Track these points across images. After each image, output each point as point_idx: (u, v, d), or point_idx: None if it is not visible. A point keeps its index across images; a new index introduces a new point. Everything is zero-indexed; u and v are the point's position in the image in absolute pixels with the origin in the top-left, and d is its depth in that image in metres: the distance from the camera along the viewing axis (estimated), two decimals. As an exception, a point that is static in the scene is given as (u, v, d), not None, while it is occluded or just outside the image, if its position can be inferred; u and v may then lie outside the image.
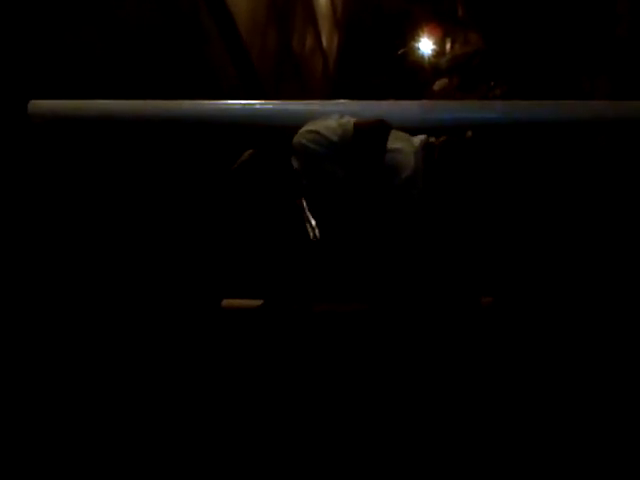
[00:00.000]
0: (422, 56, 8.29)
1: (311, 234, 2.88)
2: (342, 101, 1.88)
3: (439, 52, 7.39)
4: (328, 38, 7.91)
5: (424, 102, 1.92)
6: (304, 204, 2.79)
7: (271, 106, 1.87)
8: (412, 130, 2.19)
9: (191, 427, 2.65)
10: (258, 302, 2.93)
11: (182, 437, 2.59)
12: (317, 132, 2.57)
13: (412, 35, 8.47)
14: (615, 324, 2.70)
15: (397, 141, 2.68)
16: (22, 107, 1.79)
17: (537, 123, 1.83)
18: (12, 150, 1.88)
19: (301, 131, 2.67)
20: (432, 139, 2.78)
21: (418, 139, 2.74)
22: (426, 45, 8.41)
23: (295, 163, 2.53)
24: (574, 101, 1.80)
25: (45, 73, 2.02)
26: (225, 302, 3.00)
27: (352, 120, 2.67)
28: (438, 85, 3.05)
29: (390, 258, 2.93)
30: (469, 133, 2.81)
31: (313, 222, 2.92)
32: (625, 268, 2.70)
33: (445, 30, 6.07)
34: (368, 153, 2.66)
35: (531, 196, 2.87)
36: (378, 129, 2.69)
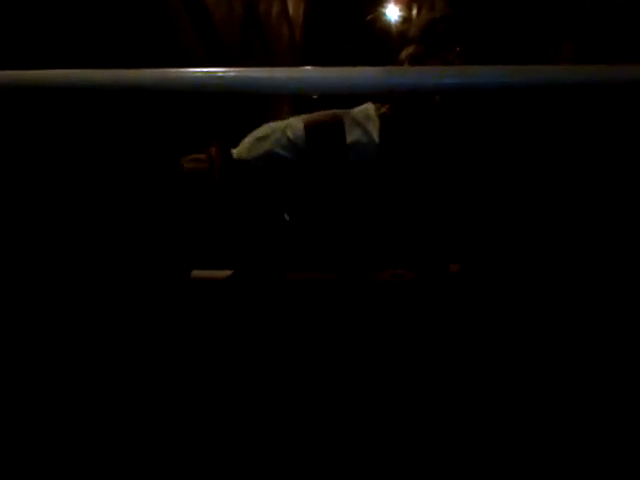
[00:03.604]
0: (389, 22, 8.27)
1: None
2: (307, 68, 1.85)
3: (406, 18, 7.37)
4: (295, 4, 7.84)
5: (390, 68, 1.90)
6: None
7: (235, 73, 1.84)
8: (378, 97, 2.20)
9: (166, 397, 2.65)
10: (228, 272, 2.93)
11: (158, 409, 2.58)
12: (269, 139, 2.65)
13: (379, 1, 8.43)
14: (582, 290, 2.73)
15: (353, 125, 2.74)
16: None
17: (496, 87, 1.84)
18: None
19: (248, 142, 2.73)
20: (383, 109, 2.83)
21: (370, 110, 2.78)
22: (393, 11, 8.38)
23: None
24: (532, 66, 1.80)
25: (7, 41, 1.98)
26: (194, 273, 2.99)
27: (300, 122, 2.72)
28: (406, 51, 3.02)
29: (354, 228, 2.93)
30: (437, 98, 2.82)
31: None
32: (591, 229, 2.73)
33: (412, -4, 6.06)
34: (325, 152, 2.70)
35: (497, 160, 2.88)
36: (330, 126, 2.73)
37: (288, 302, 2.88)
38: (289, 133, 2.78)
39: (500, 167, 2.88)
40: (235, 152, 2.79)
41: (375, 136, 2.77)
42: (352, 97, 2.12)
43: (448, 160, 2.88)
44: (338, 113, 2.81)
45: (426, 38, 3.09)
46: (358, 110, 2.82)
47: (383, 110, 2.81)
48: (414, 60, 3.01)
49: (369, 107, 2.82)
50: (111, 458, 2.28)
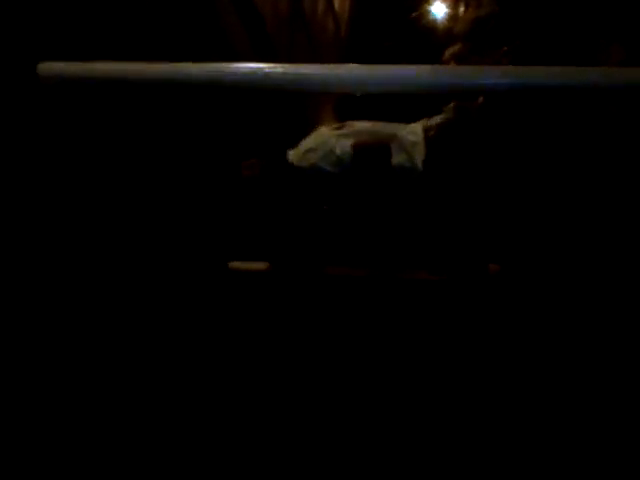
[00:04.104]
0: (435, 19, 8.22)
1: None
2: (352, 65, 1.86)
3: (452, 15, 7.31)
4: (340, 1, 7.84)
5: (436, 67, 1.90)
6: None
7: (281, 69, 1.85)
8: (423, 95, 2.19)
9: (197, 388, 2.67)
10: (265, 264, 2.96)
11: (186, 400, 2.61)
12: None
13: (425, -2, 8.39)
14: (625, 292, 2.70)
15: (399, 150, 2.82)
16: (31, 69, 1.79)
17: (548, 88, 1.81)
18: (22, 112, 1.88)
19: (298, 152, 2.86)
20: (431, 131, 2.90)
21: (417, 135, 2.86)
22: (439, 8, 8.33)
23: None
24: (587, 67, 1.77)
25: (54, 35, 2.01)
26: (232, 264, 3.02)
27: (349, 142, 2.83)
28: (451, 49, 3.01)
29: (397, 228, 2.94)
30: (480, 99, 2.81)
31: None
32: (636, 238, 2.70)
33: (458, -8, 6.02)
34: (369, 173, 2.82)
35: (541, 163, 2.86)
36: (377, 150, 2.83)
37: (324, 295, 2.90)
38: (337, 151, 2.87)
39: (543, 168, 2.86)
40: (290, 156, 2.91)
41: (419, 162, 2.84)
42: (395, 95, 2.12)
43: (490, 163, 2.87)
44: (385, 137, 2.90)
45: (472, 36, 3.07)
46: (406, 132, 2.89)
47: (431, 133, 2.88)
48: (459, 58, 3.01)
49: (417, 131, 2.89)
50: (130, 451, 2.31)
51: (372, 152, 2.89)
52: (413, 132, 2.92)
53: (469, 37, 3.07)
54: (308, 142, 2.98)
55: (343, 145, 2.89)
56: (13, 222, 1.82)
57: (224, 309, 2.89)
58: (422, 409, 2.64)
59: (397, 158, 2.86)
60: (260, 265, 3.00)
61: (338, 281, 2.95)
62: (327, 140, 2.93)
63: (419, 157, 2.86)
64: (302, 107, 4.42)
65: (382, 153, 2.88)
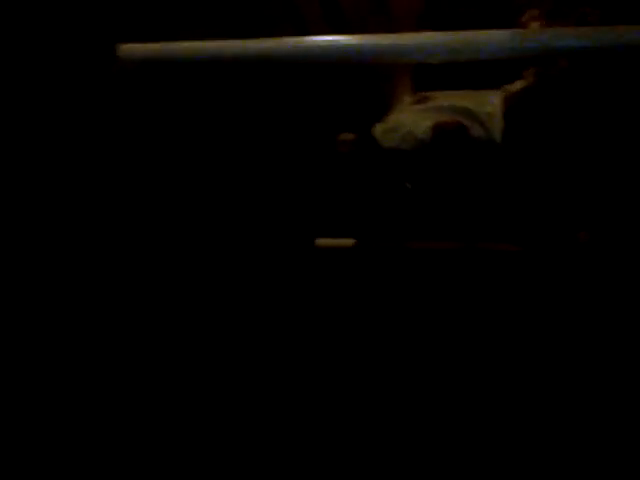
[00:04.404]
0: (511, -17, 8.01)
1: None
2: (430, 33, 1.83)
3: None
4: (414, -33, 7.70)
5: (515, 31, 1.86)
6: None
7: (358, 41, 1.84)
8: (503, 60, 2.14)
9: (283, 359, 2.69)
10: (351, 241, 2.97)
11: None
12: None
13: (501, -39, 8.17)
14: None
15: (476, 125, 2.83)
16: (111, 51, 1.80)
17: (634, 49, 1.75)
18: (103, 95, 1.91)
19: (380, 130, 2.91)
20: (512, 89, 2.88)
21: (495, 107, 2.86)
22: (516, -29, 8.11)
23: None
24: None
25: (134, 16, 2.02)
26: (319, 241, 3.03)
27: (428, 123, 2.86)
28: (530, 13, 2.94)
29: (479, 198, 2.91)
30: (563, 62, 2.74)
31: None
32: None
33: (536, -46, 5.84)
34: (449, 153, 2.84)
35: (629, 127, 2.77)
36: (456, 132, 2.85)
37: (410, 270, 2.89)
38: (417, 132, 2.93)
39: (632, 132, 2.78)
40: (375, 132, 2.95)
41: (497, 134, 2.88)
42: (474, 63, 2.08)
43: (575, 128, 2.80)
44: (462, 112, 2.91)
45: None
46: (483, 104, 2.92)
47: (511, 101, 2.86)
48: (539, 21, 2.94)
49: (495, 101, 2.89)
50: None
51: (451, 134, 2.88)
52: (491, 103, 2.91)
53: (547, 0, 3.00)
54: (390, 119, 3.03)
55: (422, 127, 2.93)
56: (95, 204, 1.85)
57: (311, 286, 2.90)
58: (515, 390, 2.61)
59: (474, 132, 2.87)
60: (347, 242, 3.01)
61: (423, 255, 2.93)
62: (406, 119, 2.98)
63: (497, 129, 2.85)
64: (380, 76, 4.38)
65: (460, 133, 2.89)
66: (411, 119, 2.98)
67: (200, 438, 2.11)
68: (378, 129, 3.02)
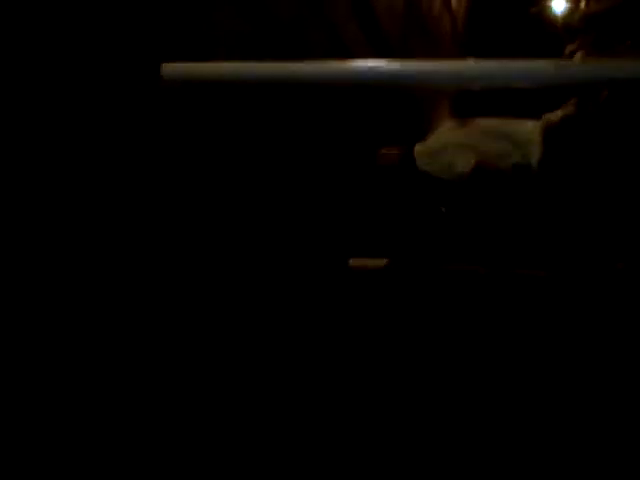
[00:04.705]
0: (555, 14, 8.00)
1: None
2: (472, 60, 1.83)
3: (573, 9, 7.11)
4: (457, -5, 7.75)
5: (557, 61, 1.85)
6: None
7: (400, 66, 1.85)
8: (545, 90, 2.15)
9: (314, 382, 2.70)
10: (385, 261, 2.99)
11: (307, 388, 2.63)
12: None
13: (544, -8, 8.17)
14: None
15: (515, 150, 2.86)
16: (155, 70, 1.84)
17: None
18: (146, 115, 1.94)
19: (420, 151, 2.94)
20: (553, 117, 2.90)
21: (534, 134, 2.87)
22: (559, 2, 8.10)
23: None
24: None
25: (178, 35, 2.06)
26: (353, 261, 3.05)
27: (471, 157, 2.88)
28: (573, 45, 2.94)
29: (515, 224, 2.92)
30: (605, 93, 2.74)
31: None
32: None
33: (579, -15, 5.84)
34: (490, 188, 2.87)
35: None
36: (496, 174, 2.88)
37: (444, 292, 2.90)
38: (457, 165, 2.92)
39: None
40: (416, 153, 2.98)
41: (535, 161, 2.87)
42: (514, 92, 2.08)
43: (613, 158, 2.79)
44: (503, 141, 2.94)
45: (594, 31, 3.00)
46: (524, 131, 2.91)
47: (552, 129, 2.87)
48: (581, 52, 2.94)
49: (535, 129, 2.90)
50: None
51: (491, 175, 2.89)
52: (531, 130, 2.91)
53: (590, 31, 3.00)
54: (431, 142, 3.04)
55: (463, 161, 2.92)
56: (131, 217, 1.88)
57: (344, 306, 2.92)
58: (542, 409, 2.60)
59: (513, 158, 2.87)
60: (380, 262, 3.03)
61: (457, 278, 2.94)
62: (448, 147, 2.99)
63: (536, 156, 2.85)
64: (421, 99, 4.41)
65: (500, 176, 2.88)
66: (452, 148, 2.98)
67: (200, 440, 2.12)
68: (418, 150, 3.03)
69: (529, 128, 2.92)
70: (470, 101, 3.13)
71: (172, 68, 1.89)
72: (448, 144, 3.01)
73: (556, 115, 2.95)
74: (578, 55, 2.93)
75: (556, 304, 2.81)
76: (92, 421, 1.68)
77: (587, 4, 3.47)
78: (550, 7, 8.05)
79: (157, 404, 1.90)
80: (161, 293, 1.93)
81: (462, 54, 7.44)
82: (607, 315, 2.72)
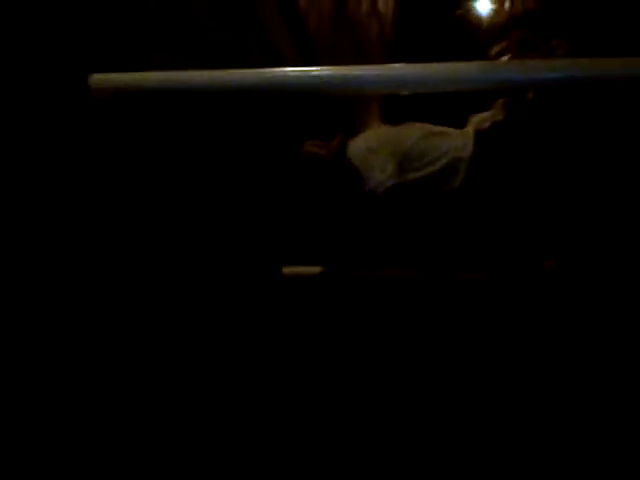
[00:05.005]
0: (480, 16, 8.13)
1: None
2: (398, 65, 1.85)
3: (498, 11, 7.24)
4: (384, 0, 7.81)
5: (483, 63, 1.88)
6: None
7: (329, 72, 1.85)
8: (471, 92, 2.18)
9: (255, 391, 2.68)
10: (318, 269, 2.98)
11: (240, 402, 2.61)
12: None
13: (469, -6, 8.31)
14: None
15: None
16: (83, 81, 1.81)
17: (603, 82, 1.78)
18: (73, 126, 1.90)
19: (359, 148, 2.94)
20: (483, 125, 2.95)
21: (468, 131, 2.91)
22: (484, 4, 8.24)
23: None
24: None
25: (105, 46, 2.03)
26: (286, 270, 3.03)
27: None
28: (498, 46, 2.99)
29: (445, 226, 2.94)
30: (530, 95, 2.79)
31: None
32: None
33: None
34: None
35: (594, 157, 2.82)
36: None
37: (377, 298, 2.90)
38: (389, 165, 2.93)
39: (596, 162, 2.82)
40: (349, 149, 2.98)
41: (465, 165, 2.92)
42: (444, 94, 2.11)
43: (543, 159, 2.85)
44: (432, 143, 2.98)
45: (519, 31, 3.05)
46: (457, 133, 2.96)
47: (480, 128, 2.91)
48: (507, 55, 2.99)
49: (466, 133, 2.95)
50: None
51: (407, 191, 2.92)
52: (462, 133, 2.96)
53: (515, 32, 3.06)
54: (369, 141, 3.06)
55: (383, 178, 2.96)
56: (58, 231, 1.84)
57: (277, 315, 2.90)
58: (482, 413, 2.63)
59: (445, 159, 2.90)
60: (313, 270, 3.02)
61: (391, 283, 2.95)
62: (386, 143, 3.00)
63: (466, 159, 2.89)
64: (348, 103, 4.43)
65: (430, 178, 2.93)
66: (391, 147, 2.99)
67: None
68: (357, 145, 3.05)
69: (460, 132, 2.96)
70: (400, 105, 3.15)
71: (100, 78, 1.86)
72: (375, 145, 3.02)
73: (485, 119, 2.99)
74: (504, 57, 2.97)
75: (488, 305, 2.85)
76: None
77: (511, 5, 3.53)
78: (475, 9, 8.19)
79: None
80: (76, 302, 1.89)
81: (390, 58, 7.49)
82: (538, 313, 2.77)
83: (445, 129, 3.06)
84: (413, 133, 3.05)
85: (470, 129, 2.99)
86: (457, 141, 2.96)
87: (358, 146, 3.04)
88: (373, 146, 3.00)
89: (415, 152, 2.96)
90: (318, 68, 1.86)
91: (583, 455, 2.44)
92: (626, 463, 2.39)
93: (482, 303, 2.85)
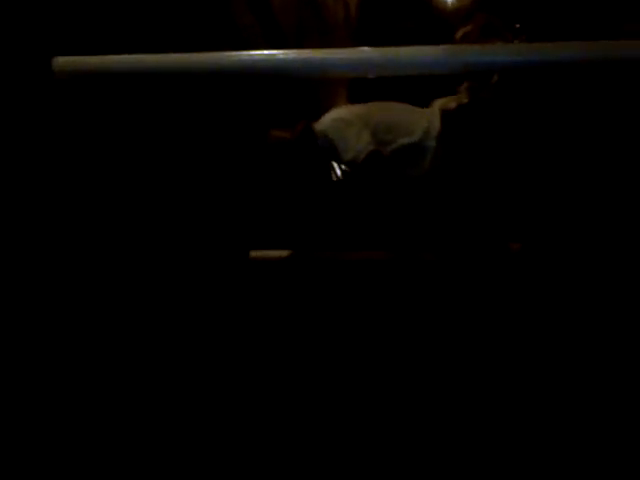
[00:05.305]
0: (445, 0, 8.14)
1: (335, 177, 3.03)
2: (364, 49, 1.86)
3: (463, -5, 7.25)
4: (349, -16, 7.78)
5: (448, 47, 1.89)
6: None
7: (295, 55, 1.86)
8: (437, 76, 2.20)
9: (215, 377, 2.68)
10: (286, 252, 2.98)
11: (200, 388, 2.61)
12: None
13: (435, -22, 8.30)
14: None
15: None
16: (46, 64, 1.79)
17: (565, 65, 1.80)
18: (37, 108, 1.89)
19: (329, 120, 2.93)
20: (452, 103, 2.96)
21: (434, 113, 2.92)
22: (449, -12, 8.25)
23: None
24: (605, 41, 1.76)
25: (68, 29, 2.01)
26: (253, 253, 3.03)
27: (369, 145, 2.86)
28: (462, 31, 3.01)
29: (412, 208, 2.96)
30: (495, 77, 2.81)
31: (339, 172, 3.04)
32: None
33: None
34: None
35: (561, 139, 2.84)
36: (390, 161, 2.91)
37: (344, 281, 2.91)
38: (364, 134, 2.95)
39: (560, 144, 2.85)
40: (319, 125, 2.99)
41: (432, 140, 2.94)
42: (409, 78, 2.12)
43: (509, 140, 2.87)
44: (400, 132, 2.97)
45: (483, 15, 3.07)
46: (424, 111, 2.97)
47: (446, 108, 2.92)
48: (472, 38, 3.00)
49: (433, 114, 2.95)
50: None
51: (386, 161, 2.93)
52: (429, 113, 2.97)
53: (479, 16, 3.07)
54: (338, 112, 3.06)
55: (360, 147, 2.96)
56: (20, 219, 1.83)
57: (245, 298, 2.90)
58: (437, 399, 2.64)
59: (413, 137, 2.91)
60: (282, 253, 3.02)
61: (357, 266, 2.96)
62: (355, 117, 3.00)
63: (433, 138, 2.90)
64: (315, 87, 4.42)
65: (393, 165, 2.95)
66: (361, 120, 2.99)
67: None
68: (326, 119, 3.04)
69: (425, 118, 2.97)
70: (367, 89, 3.15)
71: (63, 62, 1.85)
72: (348, 117, 3.02)
73: (450, 101, 3.01)
74: (469, 40, 2.99)
75: (452, 287, 2.86)
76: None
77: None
78: (440, -7, 8.19)
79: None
80: (39, 281, 1.88)
81: (355, 42, 7.48)
82: (503, 295, 2.79)
83: (412, 107, 3.07)
84: (383, 108, 3.06)
85: (436, 109, 3.00)
86: (425, 118, 2.97)
87: (330, 119, 3.03)
88: (346, 118, 3.00)
89: (386, 124, 2.96)
90: (284, 51, 1.86)
91: (554, 435, 2.47)
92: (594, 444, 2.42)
93: (448, 284, 2.87)
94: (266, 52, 1.87)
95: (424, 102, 3.10)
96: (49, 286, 1.90)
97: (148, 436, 2.26)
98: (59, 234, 1.92)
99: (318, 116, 3.13)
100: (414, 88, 2.91)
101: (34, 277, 1.81)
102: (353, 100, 3.31)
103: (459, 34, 3.08)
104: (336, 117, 3.04)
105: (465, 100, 2.96)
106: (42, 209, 1.87)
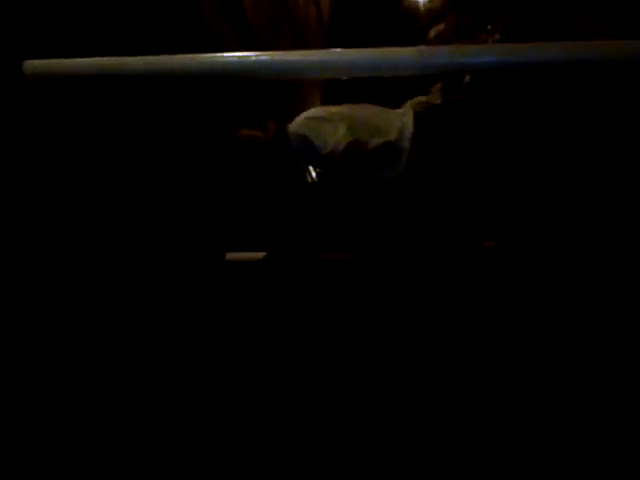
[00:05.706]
0: (417, 1, 8.18)
1: (309, 179, 3.03)
2: (337, 50, 1.85)
3: (434, -4, 7.28)
4: (322, -15, 7.80)
5: (420, 48, 1.89)
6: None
7: (268, 57, 1.85)
8: (409, 77, 2.20)
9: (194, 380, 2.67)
10: (262, 254, 2.97)
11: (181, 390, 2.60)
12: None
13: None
14: (622, 266, 2.70)
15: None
16: (17, 67, 1.77)
17: (534, 65, 1.81)
18: (8, 111, 1.87)
19: (302, 119, 2.93)
20: (419, 107, 2.97)
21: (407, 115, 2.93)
22: (421, -11, 8.28)
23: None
24: (579, 42, 1.77)
25: (39, 32, 2.00)
26: (229, 255, 3.03)
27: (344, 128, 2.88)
28: (435, 30, 3.02)
29: (388, 208, 2.96)
30: (467, 78, 2.82)
31: (313, 174, 3.05)
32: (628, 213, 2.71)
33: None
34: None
35: (532, 139, 2.86)
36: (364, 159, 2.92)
37: (320, 282, 2.91)
38: (341, 128, 2.95)
39: (533, 143, 2.86)
40: (294, 124, 3.02)
41: (407, 141, 2.93)
42: (382, 79, 2.12)
43: (482, 140, 2.88)
44: (374, 133, 2.96)
45: (455, 16, 3.08)
46: (398, 112, 2.97)
47: (419, 109, 2.93)
48: (444, 39, 3.01)
49: (407, 114, 2.95)
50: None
51: (359, 160, 2.92)
52: (403, 113, 2.97)
53: (452, 17, 3.08)
54: (312, 112, 3.06)
55: (338, 139, 2.93)
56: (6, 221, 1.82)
57: (221, 300, 2.89)
58: (417, 397, 2.65)
59: (387, 136, 2.91)
60: (257, 255, 3.02)
61: (333, 267, 2.96)
62: (329, 117, 3.00)
63: (406, 145, 2.91)
64: (290, 89, 4.42)
65: (369, 164, 2.93)
66: (334, 122, 2.99)
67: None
68: (298, 119, 3.04)
69: (399, 119, 2.98)
70: (340, 90, 3.16)
71: (34, 65, 1.83)
72: (323, 114, 3.02)
73: (423, 102, 3.02)
74: (441, 41, 3.00)
75: (427, 285, 2.87)
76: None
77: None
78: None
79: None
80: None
81: (328, 44, 7.50)
82: (478, 293, 2.80)
83: (386, 108, 3.08)
84: (357, 108, 3.07)
85: (409, 110, 3.01)
86: (399, 118, 2.98)
87: (304, 118, 3.03)
88: (322, 115, 3.00)
89: (362, 122, 2.96)
90: (257, 53, 1.85)
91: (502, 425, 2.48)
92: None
93: (422, 284, 2.88)
94: (238, 54, 1.86)
95: (397, 101, 3.11)
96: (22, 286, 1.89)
97: (121, 431, 2.25)
98: (30, 236, 1.90)
99: (292, 117, 3.12)
100: (387, 87, 2.91)
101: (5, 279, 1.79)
102: (327, 101, 3.31)
103: (432, 34, 3.09)
104: (311, 116, 3.04)
105: (438, 101, 2.97)
106: (12, 211, 1.85)
